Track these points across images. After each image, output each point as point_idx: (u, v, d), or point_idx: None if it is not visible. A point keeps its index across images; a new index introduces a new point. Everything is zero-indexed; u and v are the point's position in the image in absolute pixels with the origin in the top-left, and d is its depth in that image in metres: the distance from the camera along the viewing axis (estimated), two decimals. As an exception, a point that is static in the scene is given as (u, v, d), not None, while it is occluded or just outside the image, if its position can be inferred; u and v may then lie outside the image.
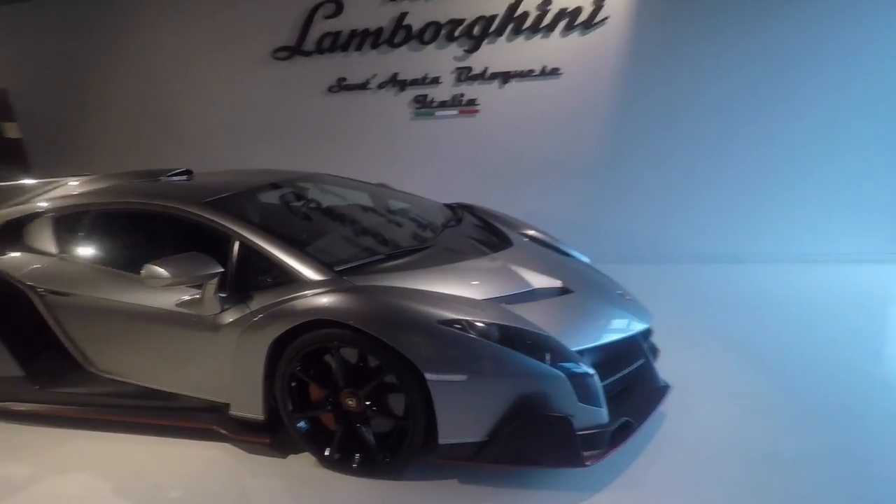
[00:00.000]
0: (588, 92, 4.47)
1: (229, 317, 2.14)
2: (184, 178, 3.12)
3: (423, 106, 4.74)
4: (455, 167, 4.87)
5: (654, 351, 2.58)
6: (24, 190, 3.16)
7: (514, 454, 1.94)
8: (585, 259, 3.17)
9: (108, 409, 2.44)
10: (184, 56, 5.13)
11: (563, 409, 1.92)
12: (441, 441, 1.96)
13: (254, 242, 2.22)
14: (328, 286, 2.09)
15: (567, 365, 1.95)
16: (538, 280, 2.41)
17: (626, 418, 2.07)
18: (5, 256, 2.62)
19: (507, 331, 1.97)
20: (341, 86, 4.82)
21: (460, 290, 2.18)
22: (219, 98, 5.17)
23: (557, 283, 2.42)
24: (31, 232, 2.68)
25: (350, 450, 2.11)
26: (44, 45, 5.35)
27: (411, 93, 4.74)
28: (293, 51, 4.80)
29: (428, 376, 1.89)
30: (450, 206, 3.46)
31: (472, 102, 4.66)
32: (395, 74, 4.71)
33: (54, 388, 2.49)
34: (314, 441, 2.15)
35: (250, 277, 2.23)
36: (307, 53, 4.79)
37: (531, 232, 3.20)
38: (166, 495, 2.07)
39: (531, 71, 4.48)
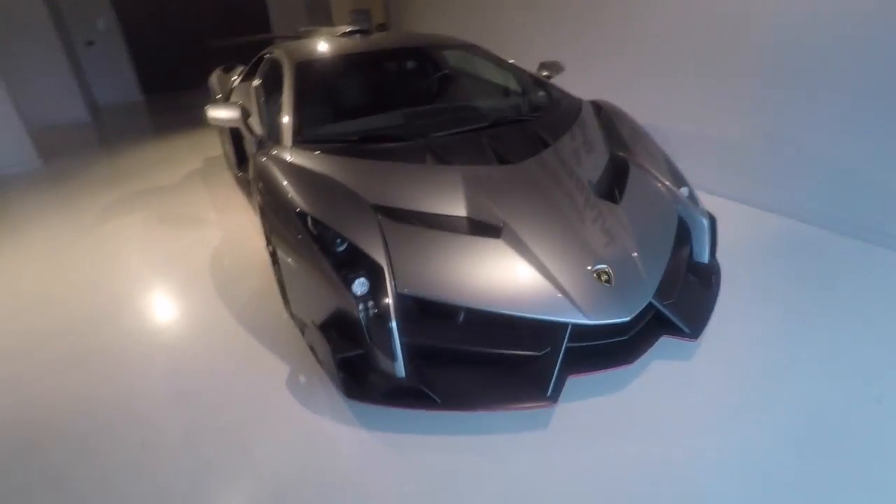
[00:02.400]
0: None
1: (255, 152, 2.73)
2: (355, 35, 3.60)
3: (671, -41, 3.48)
4: (685, 59, 3.56)
5: (602, 354, 1.91)
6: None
7: (313, 352, 2.00)
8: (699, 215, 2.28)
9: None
10: None
11: (362, 340, 1.81)
12: (292, 310, 2.19)
13: (284, 101, 2.64)
14: (280, 150, 2.38)
15: (371, 301, 1.76)
16: (481, 209, 2.02)
17: (420, 386, 1.75)
18: (240, 83, 3.88)
19: (340, 240, 1.88)
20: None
21: (372, 188, 2.11)
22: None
23: (497, 222, 1.96)
24: (259, 66, 3.80)
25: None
26: None
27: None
28: None
29: (278, 250, 2.08)
30: (570, 101, 2.87)
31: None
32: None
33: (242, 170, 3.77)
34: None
35: (275, 129, 2.70)
36: None
37: (643, 160, 2.44)
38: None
39: None
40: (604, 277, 1.85)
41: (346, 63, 3.11)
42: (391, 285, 1.78)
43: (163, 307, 2.71)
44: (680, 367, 2.03)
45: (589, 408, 1.86)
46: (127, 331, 2.52)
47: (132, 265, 3.17)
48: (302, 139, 2.41)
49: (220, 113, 2.66)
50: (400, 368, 1.77)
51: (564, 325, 1.79)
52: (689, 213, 2.32)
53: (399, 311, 1.77)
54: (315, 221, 1.95)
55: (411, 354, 1.81)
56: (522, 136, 2.49)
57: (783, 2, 2.98)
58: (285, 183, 2.13)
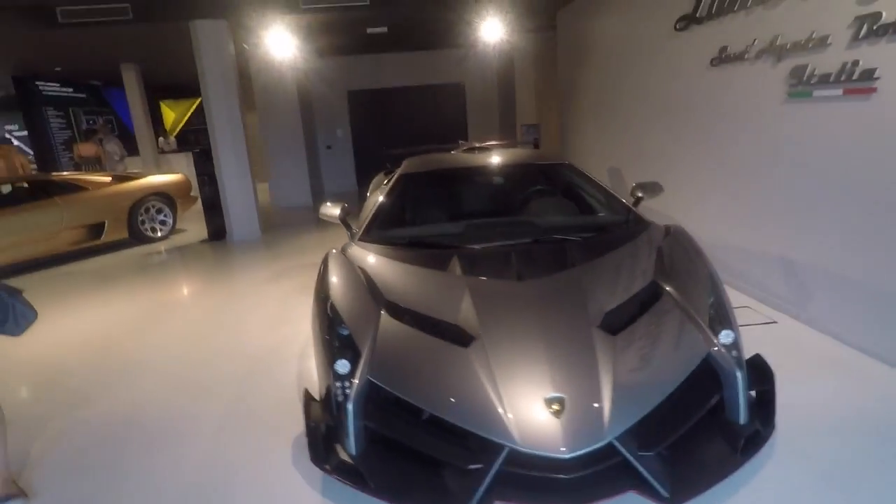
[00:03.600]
0: None
1: None
2: (471, 151, 4.13)
3: (800, 82, 3.16)
4: (822, 186, 3.08)
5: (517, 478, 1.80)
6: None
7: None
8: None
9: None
10: (611, 47, 5.50)
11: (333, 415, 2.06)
12: None
13: (376, 204, 3.22)
14: (349, 244, 2.89)
15: (347, 382, 2.01)
16: (466, 319, 2.16)
17: (359, 468, 1.89)
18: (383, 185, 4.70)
19: (344, 325, 2.20)
20: (722, 57, 3.87)
21: (392, 285, 2.43)
22: (632, 79, 5.30)
23: (475, 333, 2.09)
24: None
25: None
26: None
27: (790, 63, 3.24)
28: (689, 19, 4.21)
29: (312, 328, 2.51)
30: (635, 225, 2.86)
31: (867, 76, 2.71)
32: (776, 38, 3.32)
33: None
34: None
35: (358, 227, 3.21)
36: (699, 20, 4.08)
37: (683, 294, 2.27)
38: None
39: None
40: (555, 408, 1.78)
41: (444, 176, 3.61)
42: (362, 371, 2.02)
43: (249, 354, 3.39)
44: (652, 538, 1.73)
45: (520, 547, 1.73)
46: (207, 364, 3.23)
47: (258, 319, 4.02)
48: (367, 238, 2.90)
49: (327, 210, 3.36)
50: (350, 446, 1.95)
51: (501, 447, 1.76)
52: (722, 362, 2.02)
53: (363, 396, 1.98)
54: (332, 307, 2.34)
55: (372, 438, 1.98)
56: (553, 254, 2.54)
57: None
58: (327, 270, 2.59)
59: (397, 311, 2.27)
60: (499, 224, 3.12)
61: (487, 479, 1.75)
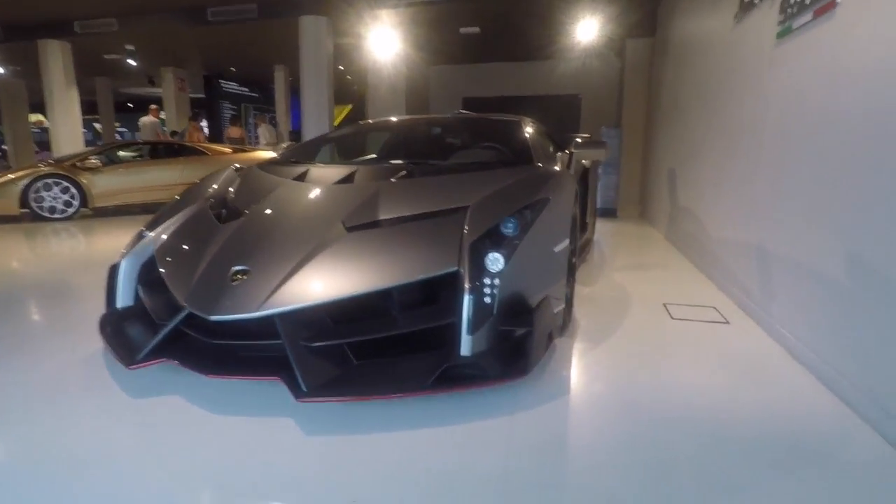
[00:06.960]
0: None
1: None
2: (448, 115, 4.06)
3: (786, 16, 2.46)
4: (795, 163, 2.32)
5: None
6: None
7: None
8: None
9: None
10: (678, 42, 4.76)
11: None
12: None
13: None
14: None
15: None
16: (250, 207, 2.24)
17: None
18: None
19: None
20: (742, 4, 3.18)
21: (239, 187, 2.58)
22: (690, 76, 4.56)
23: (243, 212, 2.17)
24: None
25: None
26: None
27: (780, -7, 2.55)
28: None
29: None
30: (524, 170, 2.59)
31: (830, -13, 2.01)
32: (773, -34, 2.64)
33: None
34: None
35: None
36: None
37: (476, 212, 2.02)
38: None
39: None
40: (237, 277, 1.73)
41: (397, 127, 3.65)
42: (147, 240, 2.20)
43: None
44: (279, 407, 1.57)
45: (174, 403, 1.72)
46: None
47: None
48: (276, 158, 3.10)
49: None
50: (116, 299, 2.13)
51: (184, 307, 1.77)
52: (461, 283, 1.72)
53: (138, 260, 2.15)
54: (182, 195, 2.58)
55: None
56: (392, 172, 2.42)
57: None
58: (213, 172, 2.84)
59: (219, 203, 2.40)
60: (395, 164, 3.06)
61: (160, 335, 1.78)
